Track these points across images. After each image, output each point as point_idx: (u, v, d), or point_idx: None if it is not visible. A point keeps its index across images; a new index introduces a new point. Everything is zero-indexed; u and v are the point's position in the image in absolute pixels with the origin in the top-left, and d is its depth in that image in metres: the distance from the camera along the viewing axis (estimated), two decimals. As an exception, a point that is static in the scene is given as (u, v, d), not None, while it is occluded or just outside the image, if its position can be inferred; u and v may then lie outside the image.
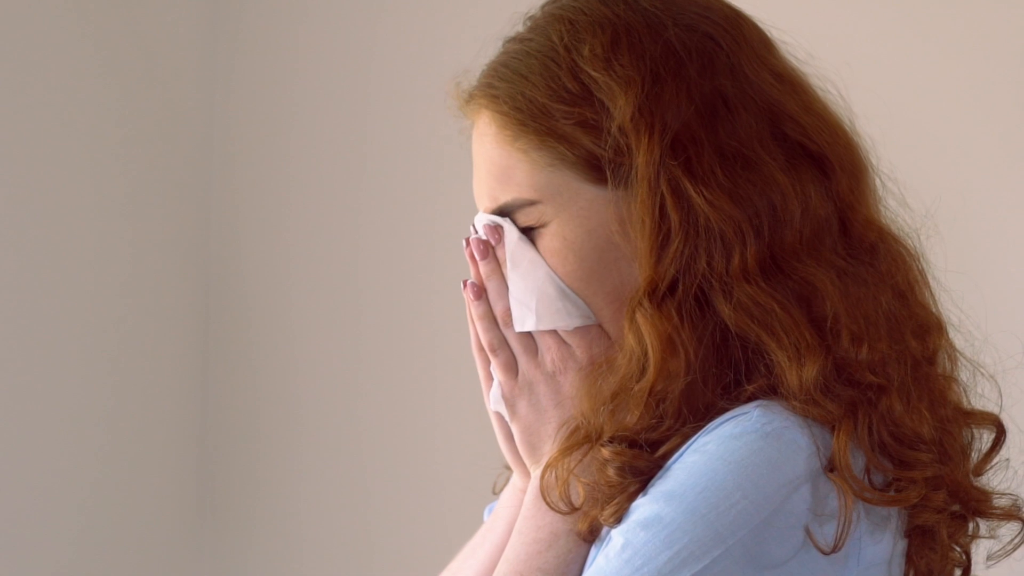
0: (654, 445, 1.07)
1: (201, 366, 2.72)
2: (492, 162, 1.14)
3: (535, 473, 1.15)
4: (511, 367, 1.16)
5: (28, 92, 2.41)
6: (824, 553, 1.01)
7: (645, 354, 1.07)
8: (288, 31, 2.70)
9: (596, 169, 1.10)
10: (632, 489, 1.06)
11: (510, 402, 1.16)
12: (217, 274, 2.73)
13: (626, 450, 1.06)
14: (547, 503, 1.11)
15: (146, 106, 2.62)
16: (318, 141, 2.67)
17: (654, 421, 1.06)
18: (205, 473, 2.72)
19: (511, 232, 1.14)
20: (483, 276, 1.17)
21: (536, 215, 1.12)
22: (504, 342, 1.16)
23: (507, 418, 1.17)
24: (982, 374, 1.16)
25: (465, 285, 1.17)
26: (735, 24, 1.12)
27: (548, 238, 1.12)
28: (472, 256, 1.17)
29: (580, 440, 1.09)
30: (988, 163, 2.12)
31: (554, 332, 1.14)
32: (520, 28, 1.16)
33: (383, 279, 2.63)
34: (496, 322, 1.16)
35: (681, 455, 1.05)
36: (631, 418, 1.07)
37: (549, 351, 1.14)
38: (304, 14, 2.68)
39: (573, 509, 1.10)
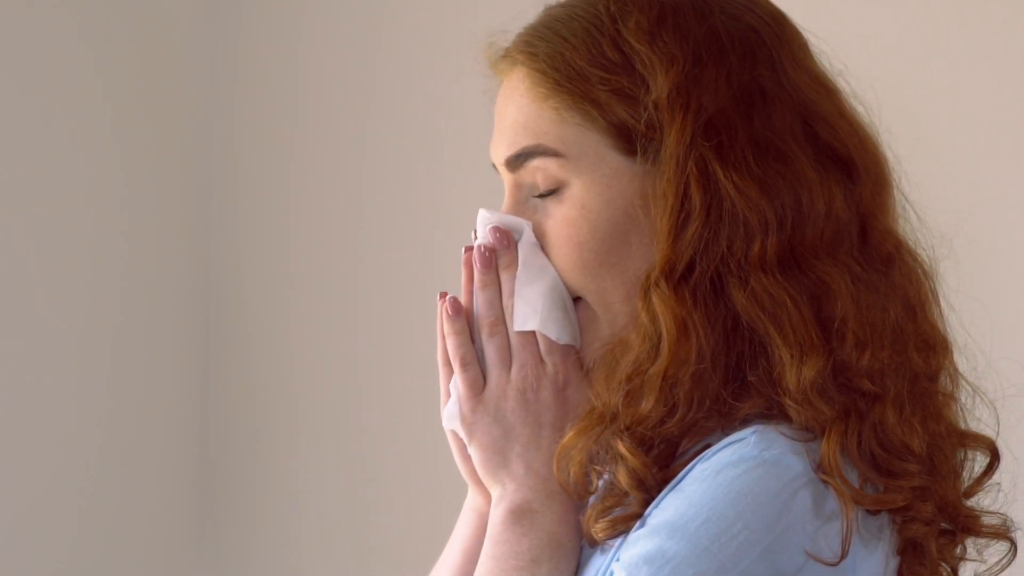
0: (667, 445, 1.07)
1: (201, 367, 2.72)
2: (520, 111, 1.13)
3: (496, 493, 1.14)
4: (477, 386, 1.14)
5: (27, 92, 2.43)
6: (831, 565, 1.01)
7: (659, 336, 1.07)
8: (289, 30, 2.72)
9: (626, 139, 1.10)
10: (631, 510, 1.07)
11: (468, 421, 1.14)
12: (217, 274, 2.73)
13: (641, 454, 1.06)
14: (560, 484, 1.10)
15: (146, 106, 2.63)
16: (319, 141, 2.68)
17: (667, 408, 1.06)
18: (205, 474, 2.72)
19: (528, 236, 1.13)
20: (480, 284, 1.15)
21: (555, 171, 1.12)
22: (476, 359, 1.15)
23: (464, 437, 1.15)
24: (982, 398, 1.16)
25: (442, 298, 1.17)
26: (779, 22, 1.14)
27: (566, 205, 1.12)
28: (468, 263, 1.16)
29: (595, 421, 1.09)
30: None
31: (535, 350, 1.13)
32: None
33: (383, 281, 2.64)
34: (470, 338, 1.15)
35: (680, 481, 1.05)
36: (646, 404, 1.06)
37: (524, 367, 1.13)
38: (305, 14, 2.69)
39: (587, 494, 1.10)
